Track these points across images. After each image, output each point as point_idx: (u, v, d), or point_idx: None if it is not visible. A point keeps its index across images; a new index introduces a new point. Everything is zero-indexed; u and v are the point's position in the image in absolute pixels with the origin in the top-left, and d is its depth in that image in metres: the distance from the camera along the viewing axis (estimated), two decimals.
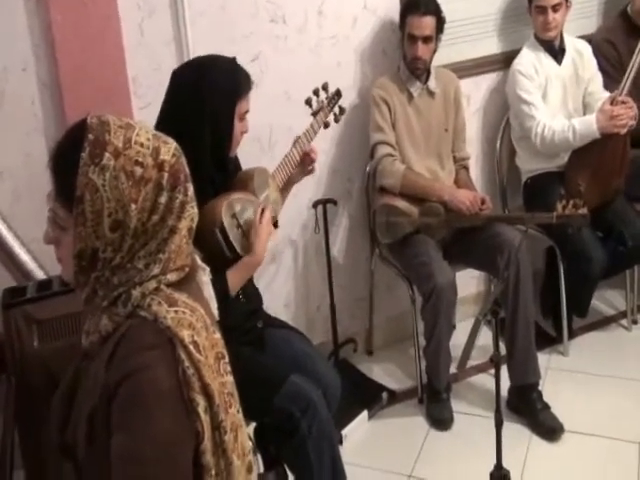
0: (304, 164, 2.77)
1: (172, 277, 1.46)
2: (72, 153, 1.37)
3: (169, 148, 1.45)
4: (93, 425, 1.41)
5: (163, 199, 1.42)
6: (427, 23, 3.28)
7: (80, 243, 1.39)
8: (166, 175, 1.42)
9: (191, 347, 1.39)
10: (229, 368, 1.50)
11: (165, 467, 1.35)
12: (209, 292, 1.63)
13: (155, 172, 1.41)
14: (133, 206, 1.38)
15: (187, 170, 1.49)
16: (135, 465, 1.34)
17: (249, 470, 1.52)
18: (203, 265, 1.64)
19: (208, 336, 1.45)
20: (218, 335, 1.50)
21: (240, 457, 1.47)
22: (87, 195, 1.36)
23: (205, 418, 1.39)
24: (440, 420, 3.31)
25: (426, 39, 3.29)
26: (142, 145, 1.40)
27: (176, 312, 1.42)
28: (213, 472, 1.41)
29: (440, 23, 3.33)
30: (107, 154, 1.37)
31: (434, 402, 3.36)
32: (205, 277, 1.62)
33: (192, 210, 1.49)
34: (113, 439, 1.36)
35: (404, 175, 3.33)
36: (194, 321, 1.43)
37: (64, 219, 1.41)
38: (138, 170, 1.39)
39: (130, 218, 1.38)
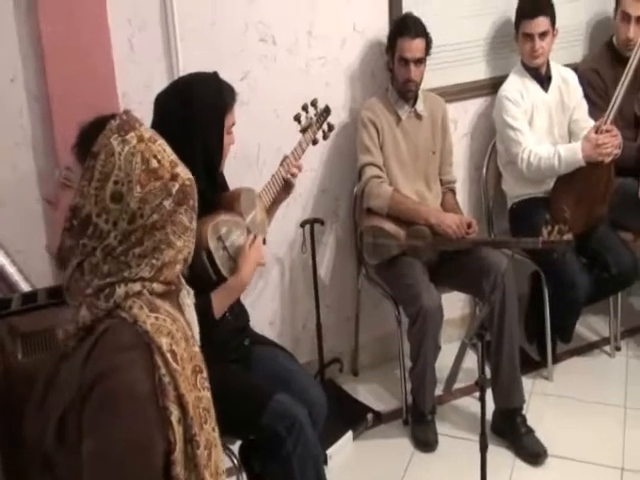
0: (289, 185, 2.77)
1: (158, 288, 1.48)
2: (103, 120, 1.48)
3: (186, 172, 1.53)
4: (64, 425, 1.41)
5: (167, 205, 1.46)
6: (418, 45, 3.30)
7: (79, 198, 1.44)
8: (177, 186, 1.48)
9: (168, 355, 1.40)
10: (207, 384, 1.50)
11: (135, 470, 1.35)
12: (191, 315, 1.63)
13: (168, 176, 1.47)
14: (138, 188, 1.43)
15: (197, 205, 1.55)
16: (106, 467, 1.34)
17: None
18: (188, 287, 1.64)
19: (187, 348, 1.46)
20: (197, 349, 1.51)
21: (213, 475, 1.47)
22: (102, 154, 1.43)
23: (178, 429, 1.39)
24: (425, 442, 3.29)
25: (418, 61, 3.31)
26: (164, 150, 1.50)
27: (156, 318, 1.43)
28: None
29: (428, 45, 3.36)
30: (132, 133, 1.46)
31: (419, 424, 3.34)
32: (188, 300, 1.63)
33: (191, 245, 1.55)
34: (85, 441, 1.36)
35: (392, 197, 3.33)
36: (174, 330, 1.44)
37: (74, 173, 1.49)
38: (154, 162, 1.46)
39: (132, 198, 1.42)
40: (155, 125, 2.41)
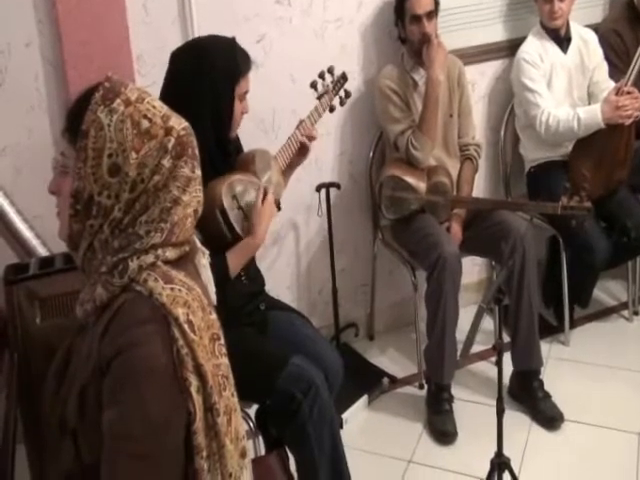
0: (305, 148, 2.75)
1: (171, 254, 1.46)
2: (87, 95, 1.43)
3: (180, 122, 1.49)
4: (84, 400, 1.41)
5: (166, 163, 1.43)
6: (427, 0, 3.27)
7: (78, 181, 1.41)
8: (173, 140, 1.45)
9: (185, 326, 1.38)
10: (224, 350, 1.49)
11: (155, 444, 1.35)
12: (207, 275, 1.62)
13: (162, 133, 1.44)
14: (134, 154, 1.40)
15: (197, 151, 1.51)
16: (125, 441, 1.34)
17: (242, 455, 1.51)
18: (203, 248, 1.63)
19: (204, 316, 1.45)
20: (214, 316, 1.50)
21: (233, 441, 1.47)
22: (92, 131, 1.40)
23: (197, 398, 1.39)
24: (443, 432, 3.15)
25: (429, 15, 3.26)
26: (154, 107, 1.45)
27: (172, 289, 1.41)
28: (204, 454, 1.41)
29: (436, 1, 3.31)
30: (118, 100, 1.42)
31: (437, 414, 3.21)
32: (204, 260, 1.62)
33: (199, 193, 1.50)
34: (104, 414, 1.36)
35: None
36: (190, 300, 1.42)
37: (68, 157, 1.45)
38: (145, 123, 1.42)
39: (129, 166, 1.40)
40: (167, 80, 2.42)
